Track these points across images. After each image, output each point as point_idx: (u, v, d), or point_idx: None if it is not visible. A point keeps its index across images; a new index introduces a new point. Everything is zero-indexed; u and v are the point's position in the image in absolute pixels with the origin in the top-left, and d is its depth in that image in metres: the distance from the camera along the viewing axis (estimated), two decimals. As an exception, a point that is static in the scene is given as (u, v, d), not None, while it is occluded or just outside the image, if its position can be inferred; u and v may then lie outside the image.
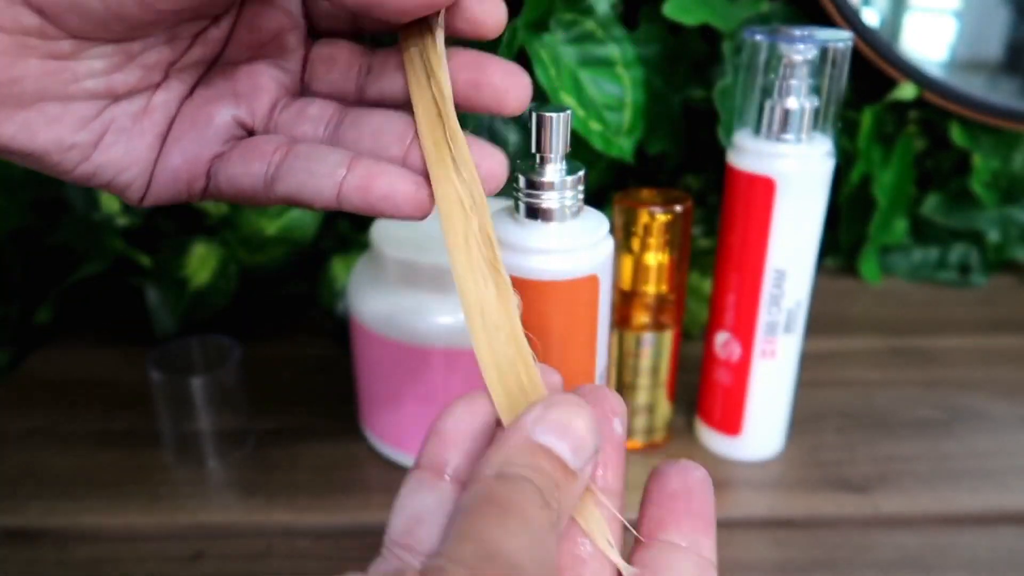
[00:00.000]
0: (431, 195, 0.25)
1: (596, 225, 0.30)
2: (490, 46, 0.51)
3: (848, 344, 0.58)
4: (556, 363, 0.30)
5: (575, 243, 0.29)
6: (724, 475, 0.45)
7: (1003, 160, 0.66)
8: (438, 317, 0.41)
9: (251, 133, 0.27)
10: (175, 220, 0.57)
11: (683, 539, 0.21)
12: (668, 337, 0.44)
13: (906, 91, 0.60)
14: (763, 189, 0.39)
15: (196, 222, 0.57)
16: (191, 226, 0.57)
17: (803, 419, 0.49)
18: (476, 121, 0.54)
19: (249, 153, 0.26)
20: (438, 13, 0.25)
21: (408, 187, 0.25)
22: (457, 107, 0.25)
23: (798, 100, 0.38)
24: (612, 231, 0.31)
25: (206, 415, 0.45)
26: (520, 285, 0.29)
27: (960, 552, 0.39)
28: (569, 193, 0.29)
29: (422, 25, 0.25)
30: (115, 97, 0.24)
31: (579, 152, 0.54)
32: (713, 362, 0.45)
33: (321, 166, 0.25)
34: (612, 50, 0.53)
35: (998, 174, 0.65)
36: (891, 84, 0.61)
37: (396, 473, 0.44)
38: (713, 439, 0.46)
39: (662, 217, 0.41)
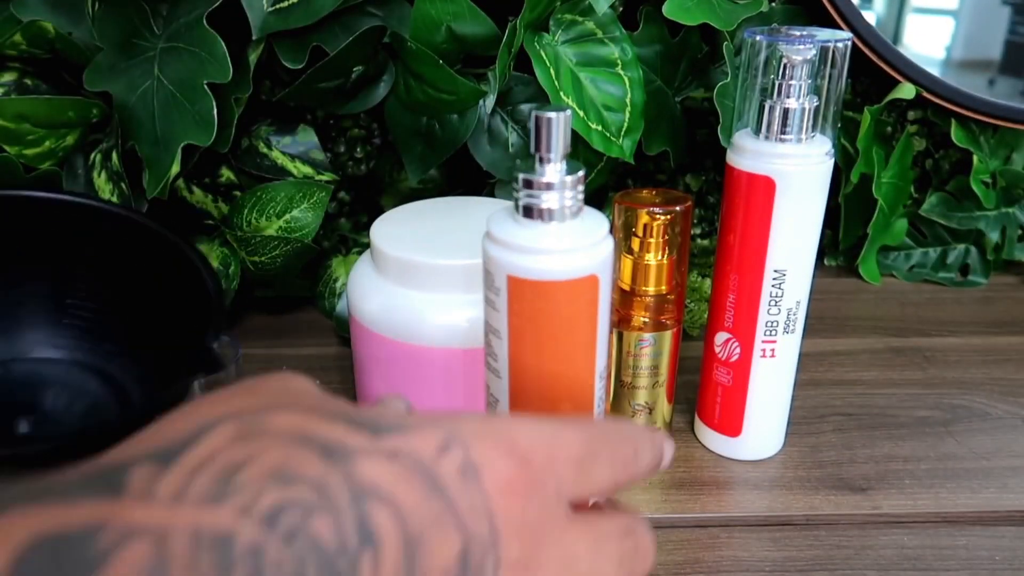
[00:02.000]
0: None
1: (596, 225, 0.30)
2: (491, 45, 0.51)
3: (848, 344, 0.58)
4: (556, 363, 0.30)
5: (575, 243, 0.29)
6: (724, 475, 0.45)
7: (1003, 160, 0.66)
8: (438, 317, 0.41)
9: None
10: (175, 220, 0.57)
11: None
12: (668, 337, 0.44)
13: (906, 91, 0.60)
14: (763, 189, 0.39)
15: (196, 222, 0.57)
16: (191, 226, 0.57)
17: (803, 419, 0.49)
18: (474, 120, 0.54)
19: None
20: None
21: None
22: None
23: (798, 100, 0.38)
24: (612, 231, 0.31)
25: (206, 415, 0.45)
26: (520, 285, 0.29)
27: (960, 552, 0.39)
28: (569, 193, 0.29)
29: None
30: None
31: (579, 152, 0.54)
32: (713, 362, 0.45)
33: None
34: (612, 50, 0.53)
35: (998, 174, 0.65)
36: (891, 84, 0.61)
37: (396, 473, 0.44)
38: (713, 439, 0.46)
39: (662, 217, 0.41)
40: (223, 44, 0.47)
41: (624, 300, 0.44)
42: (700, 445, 0.47)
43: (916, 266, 0.68)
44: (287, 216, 0.53)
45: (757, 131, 0.40)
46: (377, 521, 0.19)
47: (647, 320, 0.44)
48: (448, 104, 0.51)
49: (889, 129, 0.65)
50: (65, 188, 0.51)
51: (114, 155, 0.51)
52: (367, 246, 0.49)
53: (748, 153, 0.40)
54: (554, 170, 0.29)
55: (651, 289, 0.43)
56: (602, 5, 0.52)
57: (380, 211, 0.48)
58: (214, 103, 0.47)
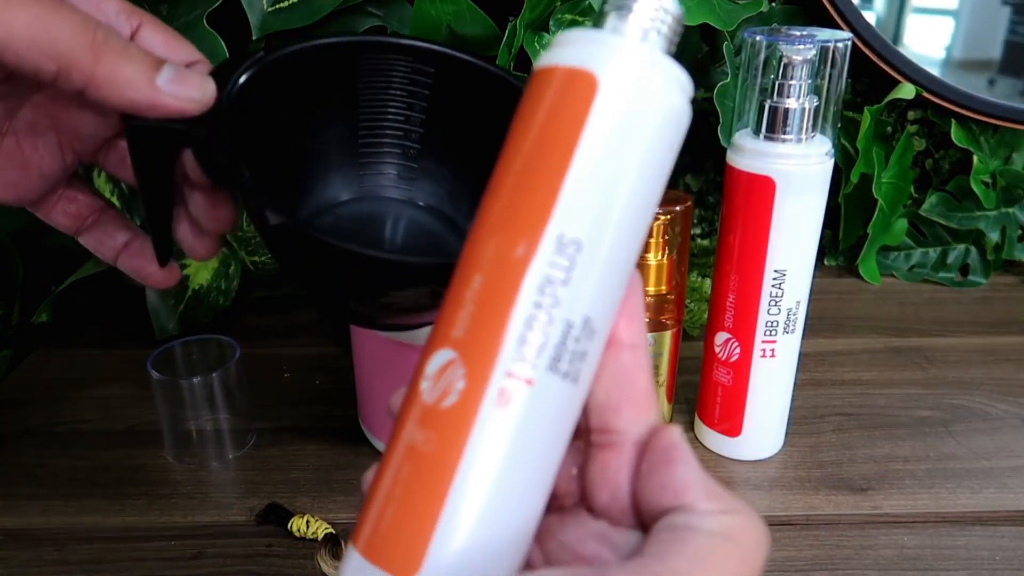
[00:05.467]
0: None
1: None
2: (491, 45, 0.51)
3: (848, 344, 0.58)
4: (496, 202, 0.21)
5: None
6: (724, 475, 0.45)
7: (1003, 160, 0.66)
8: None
9: None
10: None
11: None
12: (668, 337, 0.44)
13: (906, 91, 0.60)
14: (763, 189, 0.39)
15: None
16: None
17: (802, 419, 0.49)
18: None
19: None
20: None
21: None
22: None
23: (798, 100, 0.38)
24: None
25: (206, 415, 0.45)
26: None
27: (960, 552, 0.39)
28: None
29: None
30: None
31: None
32: (713, 362, 0.45)
33: None
34: None
35: (998, 174, 0.65)
36: (891, 84, 0.61)
37: (396, 473, 0.44)
38: (713, 439, 0.46)
39: (662, 217, 0.41)
40: (223, 44, 0.47)
41: (624, 300, 0.44)
42: (700, 445, 0.47)
43: (916, 266, 0.68)
44: (287, 216, 0.53)
45: (757, 131, 0.40)
46: None
47: (647, 320, 0.44)
48: (448, 104, 0.51)
49: (889, 129, 0.65)
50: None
51: (114, 155, 0.51)
52: (367, 246, 0.49)
53: (748, 153, 0.40)
54: None
55: (651, 289, 0.43)
56: (602, 5, 0.51)
57: (380, 211, 0.48)
58: (214, 103, 0.47)
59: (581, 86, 0.20)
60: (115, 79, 0.26)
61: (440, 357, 0.20)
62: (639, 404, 0.22)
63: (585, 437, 0.23)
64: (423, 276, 0.28)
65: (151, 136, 0.29)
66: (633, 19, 0.21)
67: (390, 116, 0.37)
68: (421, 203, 0.38)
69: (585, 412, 0.22)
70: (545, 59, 0.21)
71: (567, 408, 0.21)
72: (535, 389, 0.20)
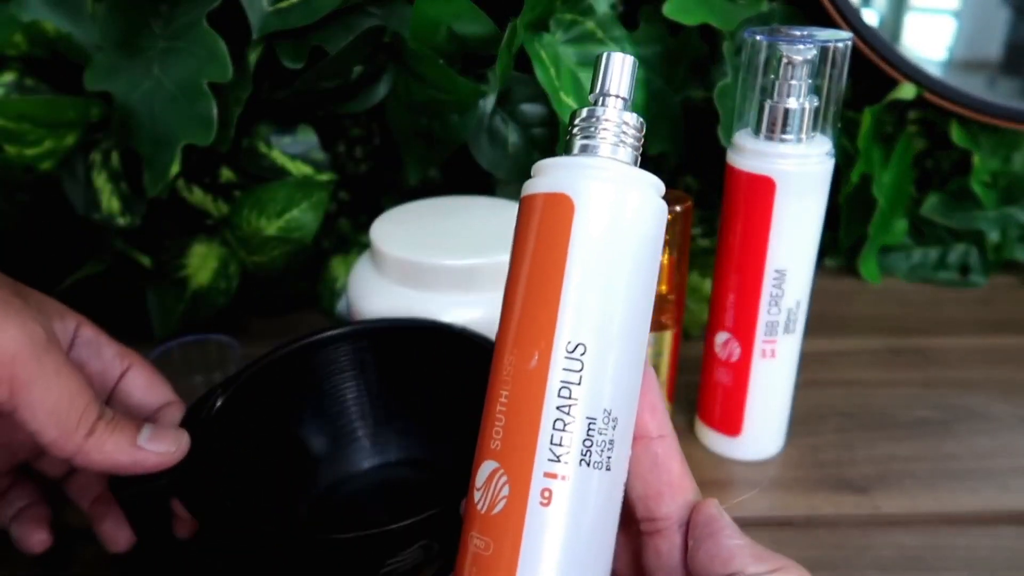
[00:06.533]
0: None
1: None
2: (491, 45, 0.51)
3: (848, 344, 0.58)
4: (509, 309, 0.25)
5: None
6: (724, 475, 0.45)
7: (1003, 160, 0.66)
8: (438, 317, 0.41)
9: None
10: (175, 220, 0.57)
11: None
12: (668, 337, 0.44)
13: (906, 91, 0.60)
14: (763, 189, 0.39)
15: (196, 222, 0.57)
16: (191, 226, 0.57)
17: (803, 419, 0.49)
18: (474, 120, 0.54)
19: None
20: None
21: None
22: None
23: (798, 100, 0.38)
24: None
25: (206, 415, 0.45)
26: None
27: (960, 552, 0.39)
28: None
29: None
30: None
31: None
32: (713, 362, 0.45)
33: None
34: (612, 50, 0.53)
35: (998, 174, 0.65)
36: (891, 84, 0.61)
37: (396, 473, 0.44)
38: (713, 439, 0.46)
39: (662, 217, 0.41)
40: (223, 44, 0.47)
41: (624, 300, 0.44)
42: (700, 445, 0.47)
43: (916, 266, 0.68)
44: (287, 216, 0.53)
45: (757, 131, 0.40)
46: None
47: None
48: (448, 104, 0.51)
49: (889, 129, 0.65)
50: (65, 188, 0.51)
51: (114, 155, 0.51)
52: (367, 246, 0.49)
53: (748, 153, 0.40)
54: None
55: (651, 289, 0.43)
56: (602, 5, 0.52)
57: (380, 211, 0.48)
58: (214, 103, 0.47)
59: (560, 208, 0.23)
60: (103, 447, 0.30)
61: (485, 468, 0.24)
62: (677, 488, 0.25)
63: (636, 526, 0.25)
64: (405, 538, 0.30)
65: (142, 501, 0.34)
66: (597, 140, 0.24)
67: (349, 397, 0.41)
68: (393, 459, 0.41)
69: (630, 504, 0.25)
70: (528, 187, 0.25)
71: (606, 494, 0.24)
72: (572, 484, 0.23)
